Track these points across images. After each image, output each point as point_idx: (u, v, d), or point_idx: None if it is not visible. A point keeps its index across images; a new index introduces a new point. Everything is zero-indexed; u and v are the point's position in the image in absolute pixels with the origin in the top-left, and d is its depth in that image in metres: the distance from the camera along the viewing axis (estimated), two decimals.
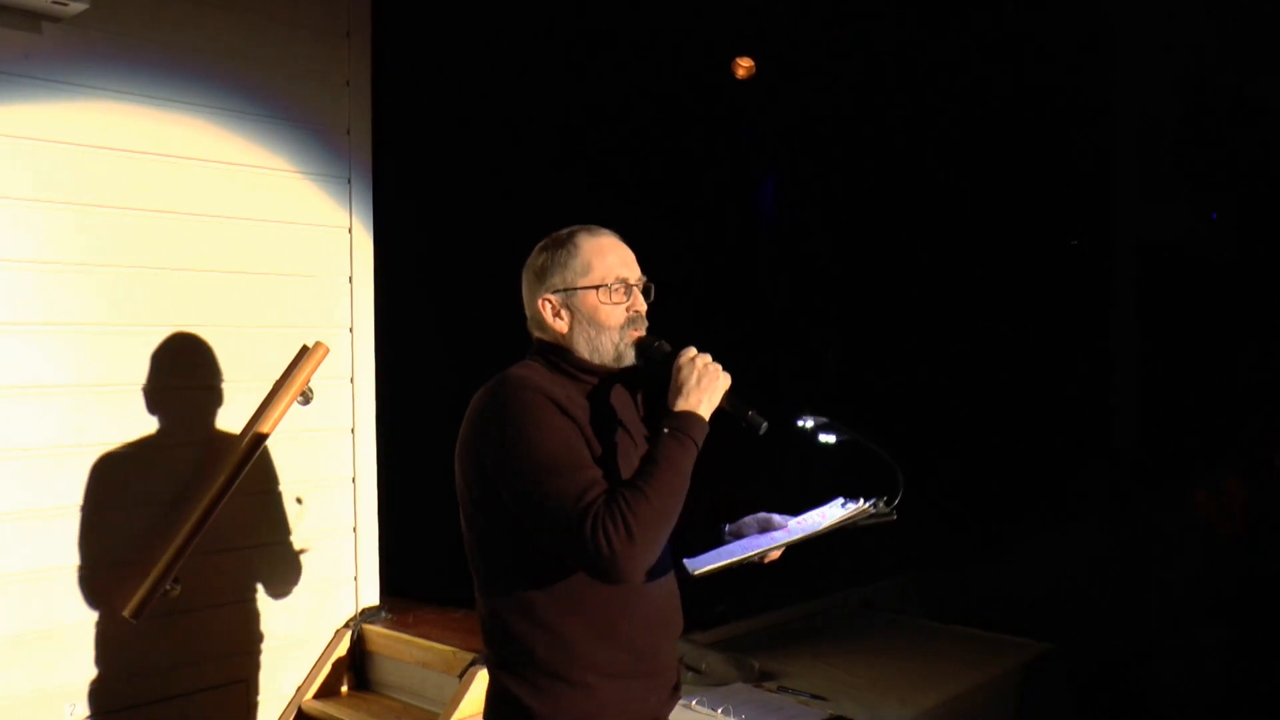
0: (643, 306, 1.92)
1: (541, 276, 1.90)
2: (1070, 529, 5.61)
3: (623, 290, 1.89)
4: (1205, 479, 4.13)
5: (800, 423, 2.08)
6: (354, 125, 3.37)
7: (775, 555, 1.99)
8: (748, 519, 2.07)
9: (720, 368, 1.84)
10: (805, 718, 2.77)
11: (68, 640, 2.75)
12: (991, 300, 6.52)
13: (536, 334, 1.94)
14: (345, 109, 3.35)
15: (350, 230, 3.35)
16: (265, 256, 3.14)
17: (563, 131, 4.74)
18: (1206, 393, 6.38)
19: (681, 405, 1.79)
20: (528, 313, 1.96)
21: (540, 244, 1.94)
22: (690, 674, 3.10)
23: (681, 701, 2.86)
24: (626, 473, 1.82)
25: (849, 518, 1.90)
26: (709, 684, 3.04)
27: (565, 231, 1.93)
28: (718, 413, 1.81)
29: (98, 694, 2.79)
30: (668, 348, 1.88)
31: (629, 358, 1.89)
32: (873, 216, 6.12)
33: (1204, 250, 6.86)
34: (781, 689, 3.02)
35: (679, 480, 1.73)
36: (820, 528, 1.91)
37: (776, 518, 2.04)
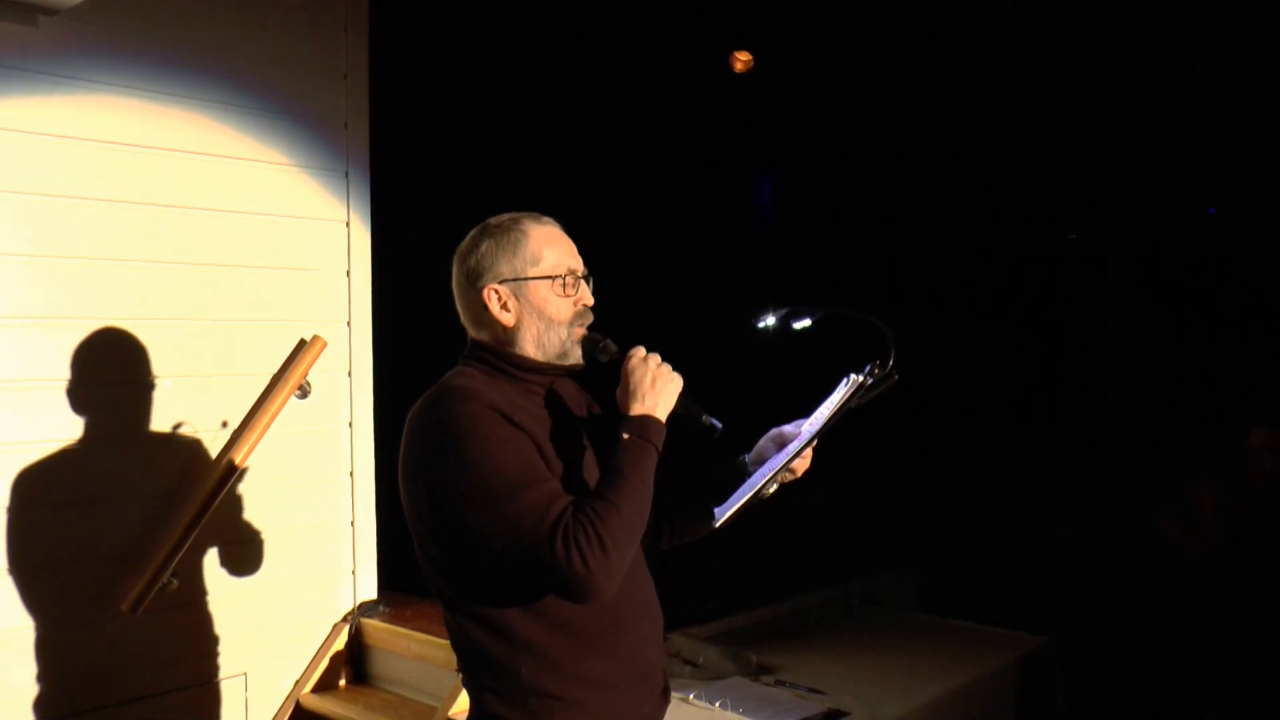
0: (590, 300, 1.82)
1: (486, 263, 1.77)
2: (1067, 524, 5.62)
3: (573, 282, 1.79)
4: (1171, 497, 4.15)
5: (761, 324, 2.01)
6: (352, 119, 3.36)
7: (804, 465, 1.90)
8: (762, 441, 1.99)
9: (670, 368, 1.76)
10: (803, 711, 2.78)
11: (67, 633, 2.75)
12: (990, 296, 6.53)
13: (474, 332, 1.82)
14: (343, 102, 3.34)
15: (348, 224, 3.35)
16: (263, 250, 3.14)
17: (562, 127, 4.73)
18: (1204, 389, 6.40)
19: (638, 409, 1.71)
20: (463, 304, 1.82)
21: (478, 230, 1.82)
22: (688, 668, 3.10)
23: (679, 695, 2.87)
24: (586, 477, 1.75)
25: (844, 401, 1.83)
26: (706, 677, 3.05)
27: (507, 218, 1.82)
28: (670, 415, 1.75)
29: (95, 687, 2.79)
30: (614, 347, 1.80)
31: (575, 355, 1.80)
32: (870, 213, 6.12)
33: (1202, 246, 6.87)
34: (779, 682, 3.03)
35: (645, 488, 1.66)
36: (821, 424, 1.84)
37: (789, 429, 1.96)
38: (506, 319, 1.77)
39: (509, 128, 4.55)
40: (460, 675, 1.80)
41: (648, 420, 1.71)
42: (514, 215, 1.82)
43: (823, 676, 3.08)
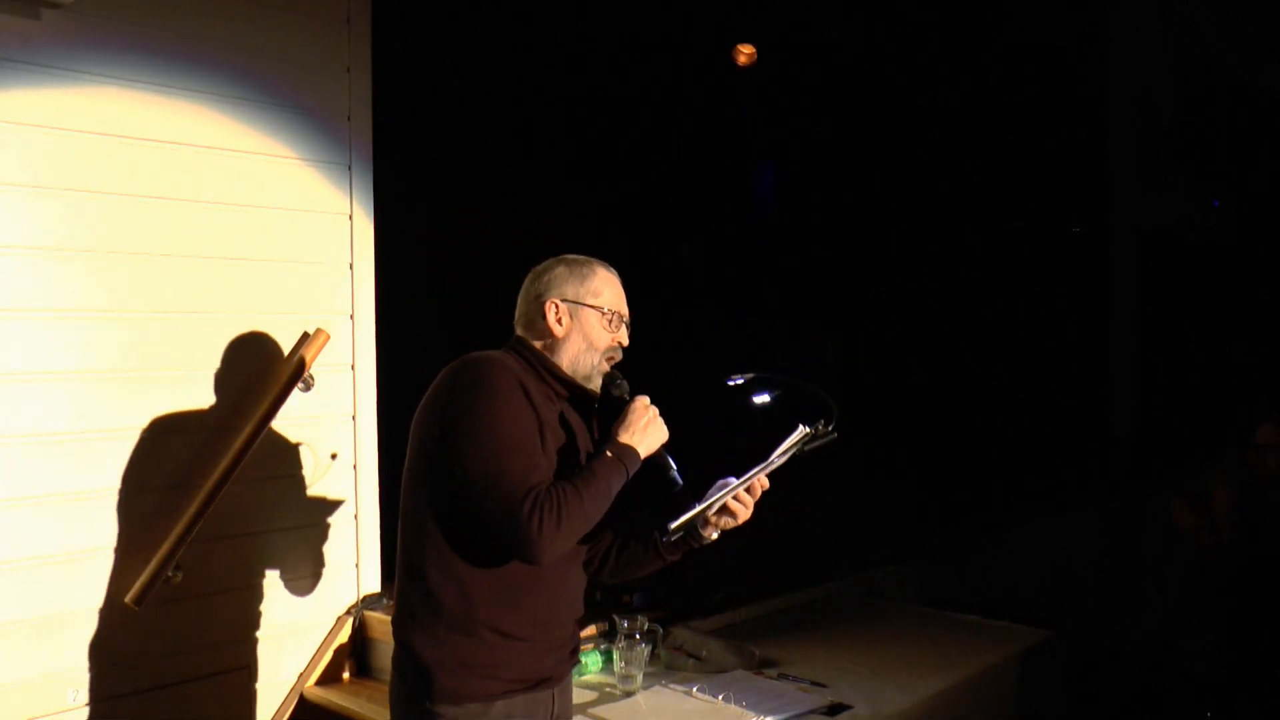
0: (626, 341, 2.16)
1: (556, 282, 2.12)
2: (1069, 517, 5.62)
3: (618, 322, 2.14)
4: (1186, 486, 4.13)
5: (731, 382, 2.38)
6: (354, 111, 3.36)
7: (746, 514, 2.21)
8: (710, 491, 2.28)
9: (662, 421, 2.09)
10: (805, 704, 2.78)
11: (70, 626, 2.76)
12: (991, 288, 6.52)
13: (522, 332, 2.14)
14: (345, 95, 3.34)
15: (351, 217, 3.35)
16: (265, 243, 3.14)
17: (563, 118, 4.73)
18: (1205, 380, 6.40)
19: (626, 439, 2.04)
20: (522, 310, 2.16)
21: (557, 257, 2.18)
22: (690, 661, 3.11)
23: (682, 689, 2.88)
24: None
25: (791, 446, 2.15)
26: (709, 671, 3.05)
27: (583, 257, 2.18)
28: (648, 459, 2.08)
29: (99, 680, 2.80)
30: (627, 387, 2.13)
31: (595, 383, 2.12)
32: (871, 204, 6.11)
33: (1204, 237, 6.86)
34: (782, 676, 3.03)
35: (607, 495, 1.98)
36: (769, 461, 2.15)
37: (734, 480, 2.25)
38: (558, 330, 2.10)
39: (511, 121, 4.55)
40: (396, 623, 2.05)
41: (630, 449, 2.04)
42: (588, 257, 2.19)
43: (825, 670, 3.08)
